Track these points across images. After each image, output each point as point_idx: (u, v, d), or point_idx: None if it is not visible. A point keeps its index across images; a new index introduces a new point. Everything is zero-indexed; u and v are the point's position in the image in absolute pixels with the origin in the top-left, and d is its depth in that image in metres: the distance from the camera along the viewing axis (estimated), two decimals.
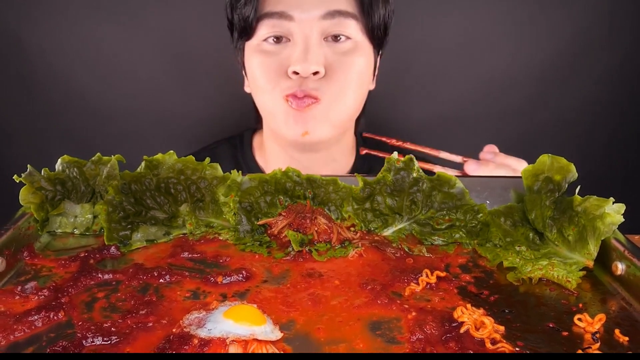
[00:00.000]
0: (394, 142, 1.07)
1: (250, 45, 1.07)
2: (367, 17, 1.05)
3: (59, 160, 0.80)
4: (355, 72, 1.05)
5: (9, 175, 0.75)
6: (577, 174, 0.71)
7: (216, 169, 0.80)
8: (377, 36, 1.09)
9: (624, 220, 0.64)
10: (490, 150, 1.03)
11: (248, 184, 0.79)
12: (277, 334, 0.55)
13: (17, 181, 0.75)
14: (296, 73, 0.99)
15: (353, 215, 0.79)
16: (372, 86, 1.16)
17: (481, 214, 0.76)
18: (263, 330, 0.54)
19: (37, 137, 1.57)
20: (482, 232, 0.75)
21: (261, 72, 1.05)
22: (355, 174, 0.81)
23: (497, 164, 0.99)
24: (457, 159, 1.04)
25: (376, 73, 1.17)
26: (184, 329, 0.55)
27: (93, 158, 0.81)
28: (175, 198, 0.80)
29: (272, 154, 1.21)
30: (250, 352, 0.52)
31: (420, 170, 0.78)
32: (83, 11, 1.46)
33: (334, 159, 1.19)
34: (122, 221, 0.75)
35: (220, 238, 0.77)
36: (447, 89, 1.54)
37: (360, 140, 1.27)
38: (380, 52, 1.15)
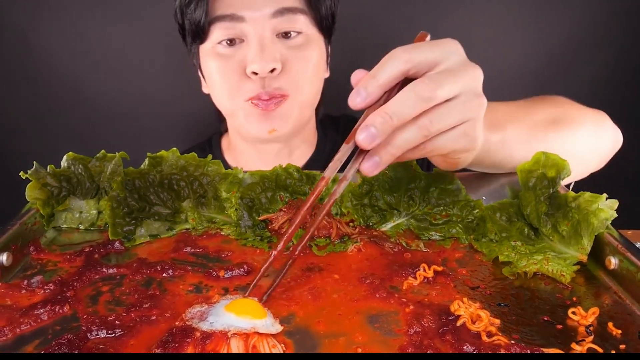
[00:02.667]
0: None
1: (204, 49, 1.06)
2: (315, 10, 1.05)
3: (65, 157, 0.80)
4: (311, 65, 1.06)
5: (16, 171, 0.75)
6: (570, 171, 0.71)
7: (219, 166, 0.80)
8: (326, 26, 1.10)
9: (617, 215, 0.64)
10: None
11: (249, 181, 0.79)
12: (277, 327, 0.55)
13: (24, 178, 0.75)
14: (255, 73, 0.98)
15: (352, 210, 0.78)
16: (326, 74, 1.18)
17: (477, 210, 0.76)
18: (264, 324, 0.54)
19: (43, 134, 1.57)
20: (479, 227, 0.75)
21: (220, 77, 1.04)
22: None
23: None
24: None
25: (329, 61, 1.18)
26: (187, 322, 0.55)
27: (98, 155, 0.81)
28: (178, 194, 0.79)
29: (240, 150, 1.22)
30: (251, 345, 0.51)
31: (419, 167, 0.78)
32: (88, 11, 1.46)
33: (298, 146, 1.21)
34: (126, 217, 0.75)
35: (222, 233, 0.77)
36: None
37: (320, 126, 1.29)
38: (329, 41, 1.16)
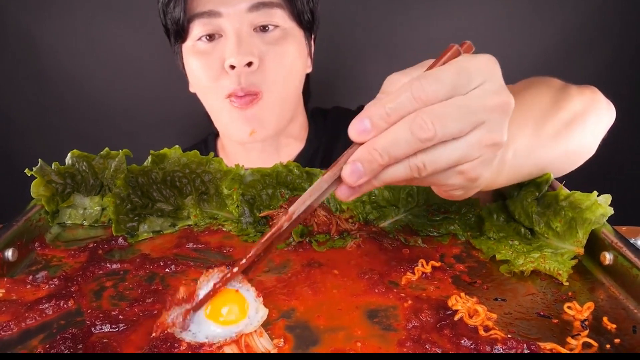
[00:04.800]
0: None
1: (186, 48, 1.06)
2: (291, 4, 1.05)
3: (69, 154, 0.80)
4: (289, 59, 1.04)
5: (21, 169, 0.75)
6: (552, 176, 0.71)
7: (220, 163, 0.80)
8: (306, 20, 1.08)
9: (613, 212, 0.64)
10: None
11: (250, 178, 0.79)
12: (262, 313, 0.52)
13: (29, 175, 0.74)
14: (232, 67, 0.98)
15: (351, 207, 0.78)
16: (309, 69, 1.16)
17: (475, 208, 0.76)
18: (247, 322, 0.51)
19: (48, 132, 1.57)
20: (477, 225, 0.75)
21: (200, 72, 1.04)
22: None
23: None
24: None
25: (312, 56, 1.16)
26: (168, 330, 0.50)
27: (102, 152, 0.81)
28: (181, 191, 0.79)
29: (231, 151, 1.21)
30: (244, 345, 0.50)
31: None
32: (92, 11, 1.45)
33: (287, 143, 1.20)
34: (129, 213, 0.75)
35: (224, 229, 0.76)
36: None
37: (312, 120, 1.27)
38: (313, 36, 1.15)
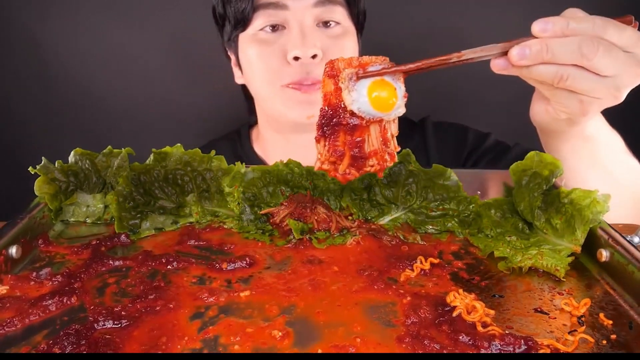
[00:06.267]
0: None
1: (245, 36, 1.07)
2: (353, 4, 1.08)
3: (72, 152, 0.80)
4: (348, 55, 1.06)
5: (25, 167, 0.75)
6: (562, 170, 0.70)
7: (221, 161, 0.79)
8: (360, 21, 1.13)
9: (610, 210, 0.64)
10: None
11: (251, 175, 0.79)
12: (401, 110, 0.63)
13: (33, 173, 0.74)
14: (296, 59, 0.99)
15: (351, 204, 0.78)
16: None
17: (473, 205, 0.76)
18: (389, 113, 0.63)
19: (52, 131, 1.56)
20: (474, 223, 0.75)
21: (260, 62, 1.05)
22: None
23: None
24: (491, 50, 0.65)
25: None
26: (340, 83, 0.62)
27: (104, 151, 0.81)
28: (182, 188, 0.79)
29: (269, 141, 1.21)
30: (383, 126, 0.64)
31: (417, 163, 0.78)
32: (96, 11, 1.45)
33: None
34: (131, 210, 0.75)
35: (225, 226, 0.76)
36: (440, 83, 1.53)
37: None
38: (360, 37, 1.17)
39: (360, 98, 0.62)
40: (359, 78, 0.62)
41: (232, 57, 1.16)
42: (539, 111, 0.73)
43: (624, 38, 0.61)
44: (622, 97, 0.65)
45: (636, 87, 0.65)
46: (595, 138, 0.78)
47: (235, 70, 1.18)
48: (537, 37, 0.60)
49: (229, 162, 0.80)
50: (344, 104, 0.62)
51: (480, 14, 1.47)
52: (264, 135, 1.23)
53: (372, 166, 0.66)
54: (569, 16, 0.62)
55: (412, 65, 0.63)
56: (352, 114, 0.62)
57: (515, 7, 1.47)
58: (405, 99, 0.64)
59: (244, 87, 1.21)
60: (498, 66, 0.63)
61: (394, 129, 0.66)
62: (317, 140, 0.65)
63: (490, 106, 1.53)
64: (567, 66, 0.61)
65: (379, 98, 0.62)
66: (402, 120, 1.20)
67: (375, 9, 1.20)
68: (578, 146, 0.78)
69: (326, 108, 0.63)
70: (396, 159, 0.67)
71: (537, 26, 0.61)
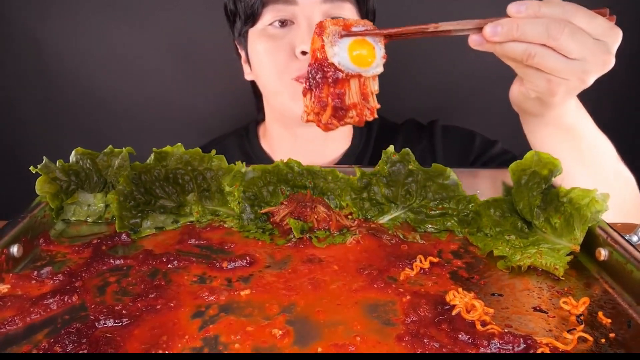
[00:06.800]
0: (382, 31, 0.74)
1: (254, 31, 1.08)
2: (362, 1, 1.09)
3: (73, 152, 0.80)
4: None
5: (26, 166, 0.75)
6: (562, 169, 0.70)
7: (222, 160, 0.79)
8: (370, 20, 1.11)
9: (609, 209, 0.64)
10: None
11: (252, 175, 0.79)
12: (379, 69, 0.69)
13: (34, 172, 0.74)
14: (304, 53, 1.00)
15: (351, 204, 0.78)
16: None
17: (472, 204, 0.76)
18: (367, 70, 0.68)
19: (53, 130, 1.56)
20: (474, 222, 0.75)
21: (269, 56, 1.06)
22: (353, 165, 0.80)
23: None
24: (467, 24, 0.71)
25: None
26: (324, 46, 0.67)
27: (105, 150, 0.81)
28: (183, 188, 0.79)
29: (276, 138, 1.22)
30: (362, 82, 0.69)
31: (416, 163, 0.78)
32: (95, 12, 1.45)
33: (335, 138, 1.19)
34: (132, 210, 0.75)
35: (226, 226, 0.76)
36: (438, 81, 1.53)
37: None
38: None
39: (341, 52, 0.68)
40: (342, 36, 0.69)
41: (242, 54, 1.17)
42: (513, 91, 0.77)
43: (593, 25, 0.65)
44: (588, 82, 0.69)
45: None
46: (576, 131, 0.80)
47: (245, 66, 1.19)
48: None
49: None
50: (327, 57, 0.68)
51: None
52: (271, 131, 1.24)
53: (351, 117, 0.71)
54: (544, 1, 0.66)
55: (392, 30, 0.69)
56: (334, 67, 0.68)
57: None
58: (384, 60, 0.70)
59: (253, 85, 1.22)
60: (474, 42, 0.68)
61: (374, 87, 0.71)
62: (304, 94, 0.70)
63: (497, 107, 1.53)
64: (536, 45, 0.65)
65: (358, 55, 0.69)
66: (410, 123, 1.23)
67: (383, 9, 1.20)
68: (557, 135, 0.81)
69: (313, 62, 0.69)
70: (376, 115, 0.72)
71: (512, 7, 0.66)
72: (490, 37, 0.66)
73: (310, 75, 0.69)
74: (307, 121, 0.72)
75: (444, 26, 0.68)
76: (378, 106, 0.73)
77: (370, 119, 0.72)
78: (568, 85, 0.69)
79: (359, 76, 0.69)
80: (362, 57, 0.69)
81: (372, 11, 1.14)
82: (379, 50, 0.70)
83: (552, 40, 0.64)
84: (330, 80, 0.68)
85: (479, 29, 0.67)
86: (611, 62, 0.69)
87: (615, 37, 0.68)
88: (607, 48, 0.67)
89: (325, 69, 0.68)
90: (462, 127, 1.24)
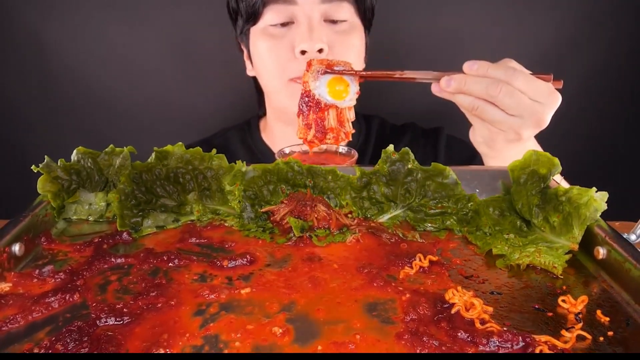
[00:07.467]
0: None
1: (256, 30, 1.09)
2: (361, 1, 1.11)
3: (75, 151, 0.80)
4: (355, 50, 1.10)
5: (28, 165, 0.75)
6: (561, 167, 0.71)
7: (222, 160, 0.79)
8: (368, 18, 1.15)
9: (607, 207, 0.64)
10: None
11: (252, 174, 0.79)
12: (353, 102, 0.84)
13: (35, 171, 0.74)
14: (303, 53, 1.01)
15: (351, 203, 0.78)
16: (363, 65, 1.19)
17: (472, 203, 0.76)
18: (342, 102, 0.83)
19: (54, 129, 1.57)
20: (473, 220, 0.75)
21: (269, 55, 1.08)
22: (353, 165, 0.81)
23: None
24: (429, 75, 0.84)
25: (366, 53, 1.19)
26: (308, 83, 0.84)
27: (106, 149, 0.81)
28: (184, 187, 0.79)
29: (276, 132, 1.23)
30: (339, 112, 0.85)
31: (416, 162, 0.78)
32: (96, 12, 1.45)
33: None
34: (133, 208, 0.75)
35: (226, 224, 0.76)
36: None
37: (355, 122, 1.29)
38: (368, 33, 1.19)
39: (321, 86, 0.84)
40: (324, 73, 0.85)
41: (244, 50, 1.18)
42: (470, 134, 0.90)
43: (532, 87, 0.77)
44: (523, 136, 0.81)
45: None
46: None
47: (247, 62, 1.21)
48: (464, 73, 0.79)
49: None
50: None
51: (479, 18, 1.47)
52: (271, 126, 1.25)
53: (329, 139, 0.86)
54: (497, 64, 0.79)
55: (363, 73, 0.86)
56: (316, 98, 0.84)
57: (512, 9, 1.48)
58: (357, 95, 0.86)
59: (254, 80, 1.23)
60: (434, 90, 0.82)
61: (349, 115, 0.87)
62: (297, 115, 0.86)
63: None
64: (480, 100, 0.78)
65: (334, 90, 0.85)
66: (412, 126, 1.28)
67: (382, 8, 1.20)
68: None
69: (304, 92, 0.85)
70: (350, 138, 0.87)
71: (466, 65, 0.79)
72: (444, 88, 0.80)
73: (301, 102, 0.85)
74: (299, 137, 0.86)
75: (408, 74, 0.82)
76: (353, 131, 0.87)
77: (345, 141, 0.87)
78: (506, 135, 0.81)
79: (336, 107, 0.85)
80: (338, 92, 0.85)
81: (370, 9, 1.14)
82: (354, 87, 0.86)
83: (490, 97, 0.77)
84: (314, 107, 0.84)
85: (438, 80, 0.81)
86: (545, 122, 0.79)
87: (552, 99, 0.78)
88: (542, 109, 0.77)
89: (310, 99, 0.84)
90: (465, 140, 1.25)
